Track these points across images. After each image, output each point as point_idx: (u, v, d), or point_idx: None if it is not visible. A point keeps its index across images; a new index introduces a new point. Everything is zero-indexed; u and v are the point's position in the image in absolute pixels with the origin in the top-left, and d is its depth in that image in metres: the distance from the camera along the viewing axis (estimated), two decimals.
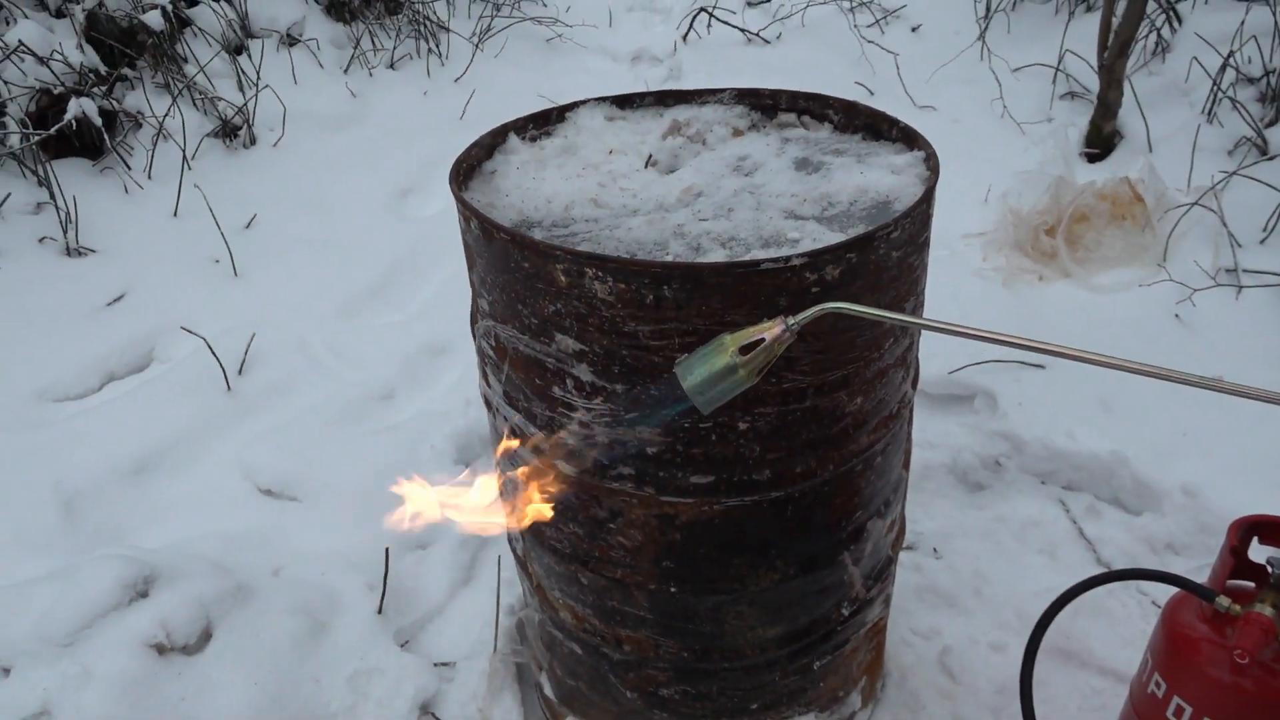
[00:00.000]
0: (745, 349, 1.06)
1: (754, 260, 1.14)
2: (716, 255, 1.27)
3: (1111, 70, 3.39)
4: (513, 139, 1.61)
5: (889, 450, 1.49)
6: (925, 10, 4.81)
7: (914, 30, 4.75)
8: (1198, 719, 1.47)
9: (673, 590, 1.44)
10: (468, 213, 1.31)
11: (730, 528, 1.38)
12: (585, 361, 1.26)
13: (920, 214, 1.29)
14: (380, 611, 2.03)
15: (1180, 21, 3.75)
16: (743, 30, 4.95)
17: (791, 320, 1.06)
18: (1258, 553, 1.46)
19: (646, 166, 1.58)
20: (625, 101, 1.72)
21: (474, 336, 1.51)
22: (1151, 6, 3.67)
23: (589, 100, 1.71)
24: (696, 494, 1.34)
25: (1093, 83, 3.67)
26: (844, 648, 1.63)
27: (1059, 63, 3.93)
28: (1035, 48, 4.14)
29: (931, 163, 1.41)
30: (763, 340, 1.05)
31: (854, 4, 4.88)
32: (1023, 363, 2.57)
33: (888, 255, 1.24)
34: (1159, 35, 3.75)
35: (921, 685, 1.89)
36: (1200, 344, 2.64)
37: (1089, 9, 4.22)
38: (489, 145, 1.58)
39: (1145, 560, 2.16)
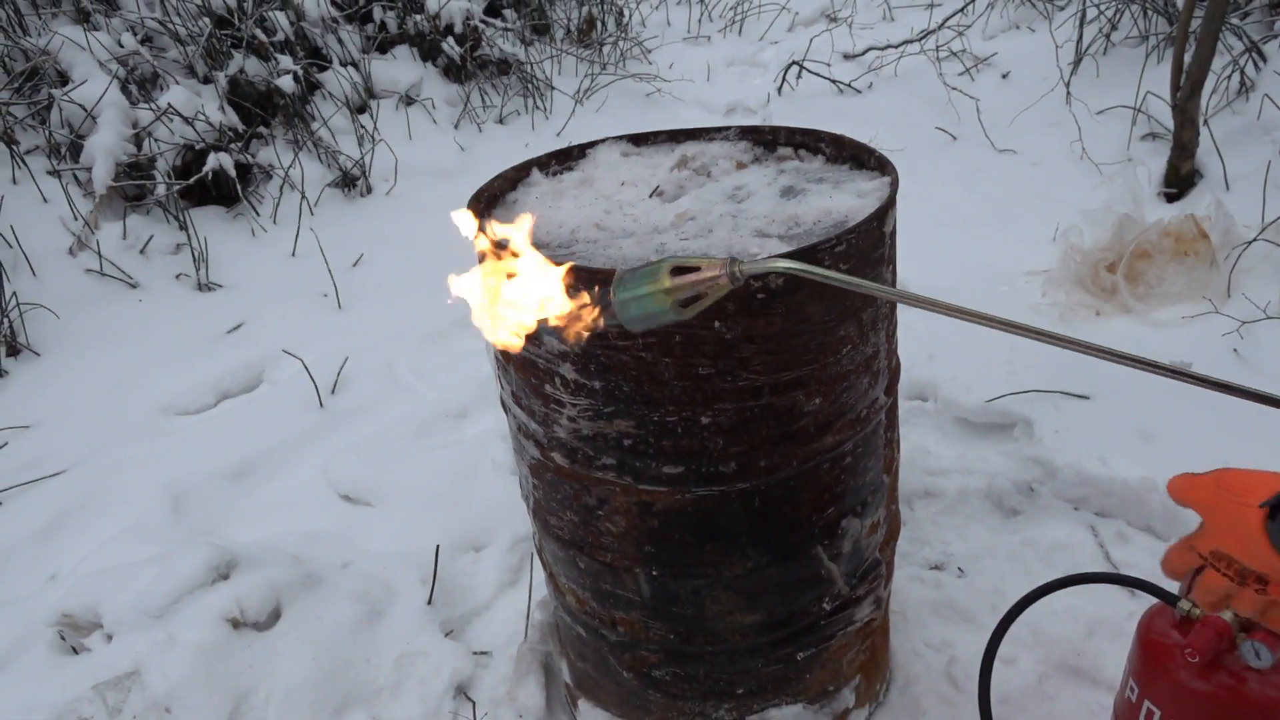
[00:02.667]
0: (678, 273, 1.05)
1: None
2: None
3: (1185, 110, 3.39)
4: (535, 173, 1.82)
5: (860, 453, 1.60)
6: (1015, 58, 4.86)
7: (1004, 77, 4.80)
8: None
9: (655, 573, 1.59)
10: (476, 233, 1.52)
11: (701, 516, 1.52)
12: (568, 361, 1.44)
13: (868, 231, 1.42)
14: (430, 603, 2.24)
15: (1265, 60, 3.71)
16: (834, 81, 5.10)
17: (737, 266, 1.04)
18: None
19: (651, 196, 1.77)
20: (641, 139, 1.92)
21: (485, 344, 1.71)
22: (1236, 46, 3.65)
23: (608, 139, 1.91)
24: (669, 483, 1.49)
25: (1171, 123, 3.66)
26: (830, 643, 1.73)
27: (1139, 104, 3.93)
28: (1120, 90, 4.14)
29: (893, 186, 1.54)
30: (699, 270, 1.04)
31: (944, 54, 4.97)
32: (1064, 393, 2.60)
33: (834, 268, 1.38)
34: (1243, 74, 3.72)
35: (924, 692, 1.96)
36: (1256, 377, 2.61)
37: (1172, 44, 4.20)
38: (513, 178, 1.80)
39: (1172, 586, 2.16)
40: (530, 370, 1.52)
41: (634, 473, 1.50)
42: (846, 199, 1.56)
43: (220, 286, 3.64)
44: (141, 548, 2.42)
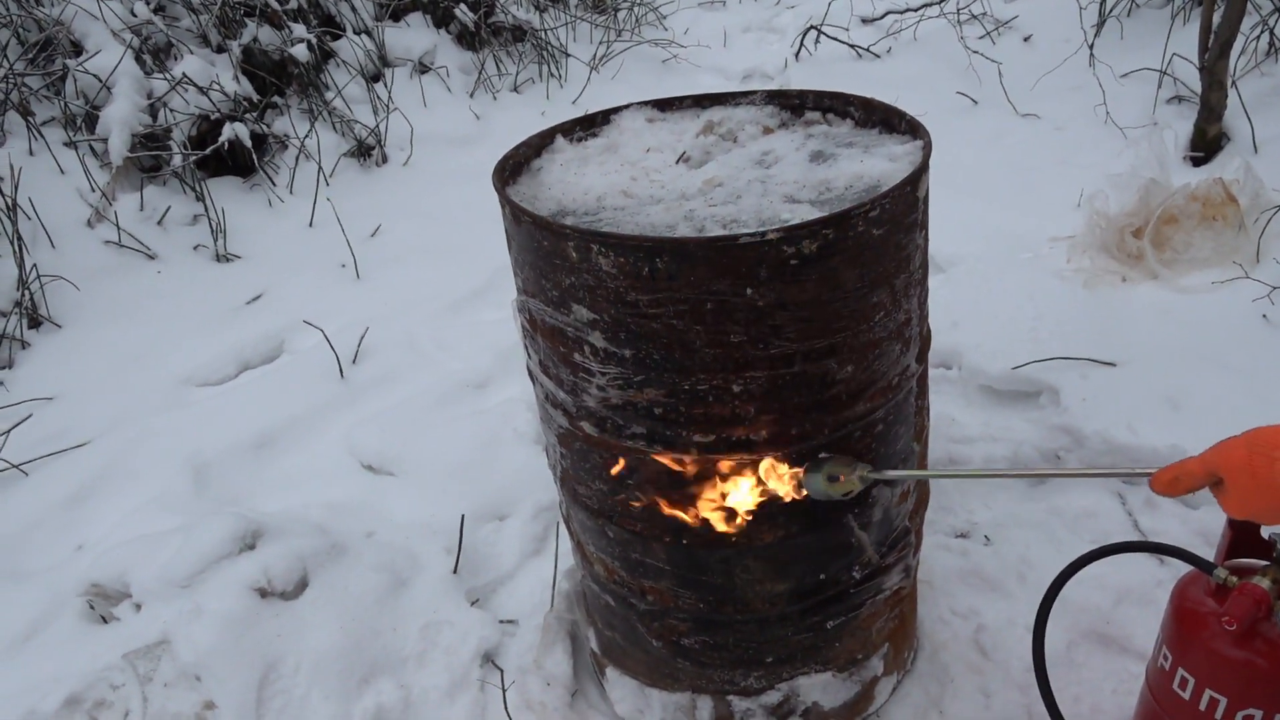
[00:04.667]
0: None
1: (733, 235, 1.28)
2: (716, 234, 1.42)
3: (1213, 72, 3.33)
4: (559, 140, 1.80)
5: (891, 420, 1.59)
6: (1037, 21, 4.79)
7: (1025, 40, 4.73)
8: (1200, 690, 1.51)
9: (684, 543, 1.59)
10: (503, 201, 1.51)
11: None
12: (598, 329, 1.42)
13: (903, 195, 1.40)
14: (455, 572, 2.24)
15: None
16: (852, 46, 5.04)
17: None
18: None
19: (678, 162, 1.74)
20: (666, 105, 1.89)
21: (514, 312, 1.70)
22: (1265, 5, 3.58)
23: (633, 104, 1.89)
24: (700, 451, 1.48)
25: (1199, 86, 3.60)
26: (859, 611, 1.73)
27: (1165, 66, 3.86)
28: (1145, 53, 4.07)
29: (926, 150, 1.51)
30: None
31: (964, 17, 4.90)
32: (1091, 360, 2.58)
33: (868, 233, 1.36)
34: (1272, 35, 3.64)
35: (952, 659, 1.96)
36: None
37: (1199, 2, 4.12)
38: (537, 145, 1.78)
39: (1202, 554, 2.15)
40: (559, 339, 1.50)
41: (664, 441, 1.48)
42: (878, 163, 1.54)
43: (238, 257, 3.64)
44: (166, 518, 2.42)
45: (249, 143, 3.96)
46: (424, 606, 2.17)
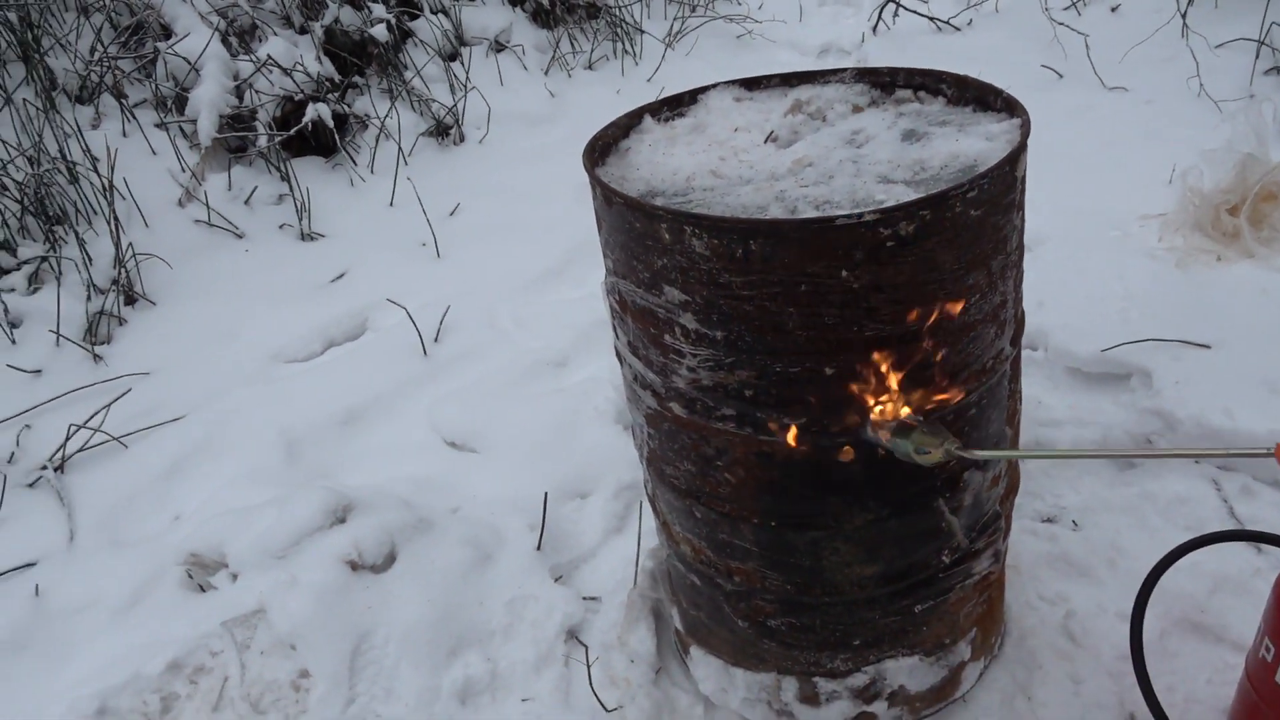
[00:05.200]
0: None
1: (829, 216, 1.28)
2: (808, 215, 1.41)
3: None
4: (647, 120, 1.80)
5: (985, 404, 1.57)
6: None
7: (1113, 10, 4.58)
8: None
9: (773, 524, 1.59)
10: (594, 182, 1.52)
11: (822, 468, 1.51)
12: (690, 311, 1.43)
13: (1001, 175, 1.37)
14: (539, 549, 2.28)
15: None
16: (931, 19, 4.93)
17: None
18: None
19: (766, 141, 1.73)
20: (753, 84, 1.88)
21: (603, 293, 1.71)
22: None
23: (720, 83, 1.87)
24: (790, 433, 1.48)
25: None
26: (948, 595, 1.71)
27: (1263, 36, 3.71)
28: (1241, 22, 3.91)
29: (1025, 128, 1.48)
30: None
31: None
32: (1184, 341, 2.51)
33: (965, 214, 1.33)
34: None
35: (1040, 646, 1.94)
36: None
37: None
38: (625, 125, 1.78)
39: None
40: (649, 320, 1.51)
41: (754, 423, 1.49)
42: (974, 142, 1.51)
43: (322, 236, 3.71)
44: (260, 490, 2.50)
45: (331, 123, 4.03)
46: (509, 582, 2.21)
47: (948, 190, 1.29)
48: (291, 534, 2.25)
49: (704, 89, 1.86)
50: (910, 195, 1.40)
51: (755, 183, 1.56)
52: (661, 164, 1.68)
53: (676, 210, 1.35)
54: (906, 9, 5.03)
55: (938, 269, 1.35)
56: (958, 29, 4.85)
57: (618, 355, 1.74)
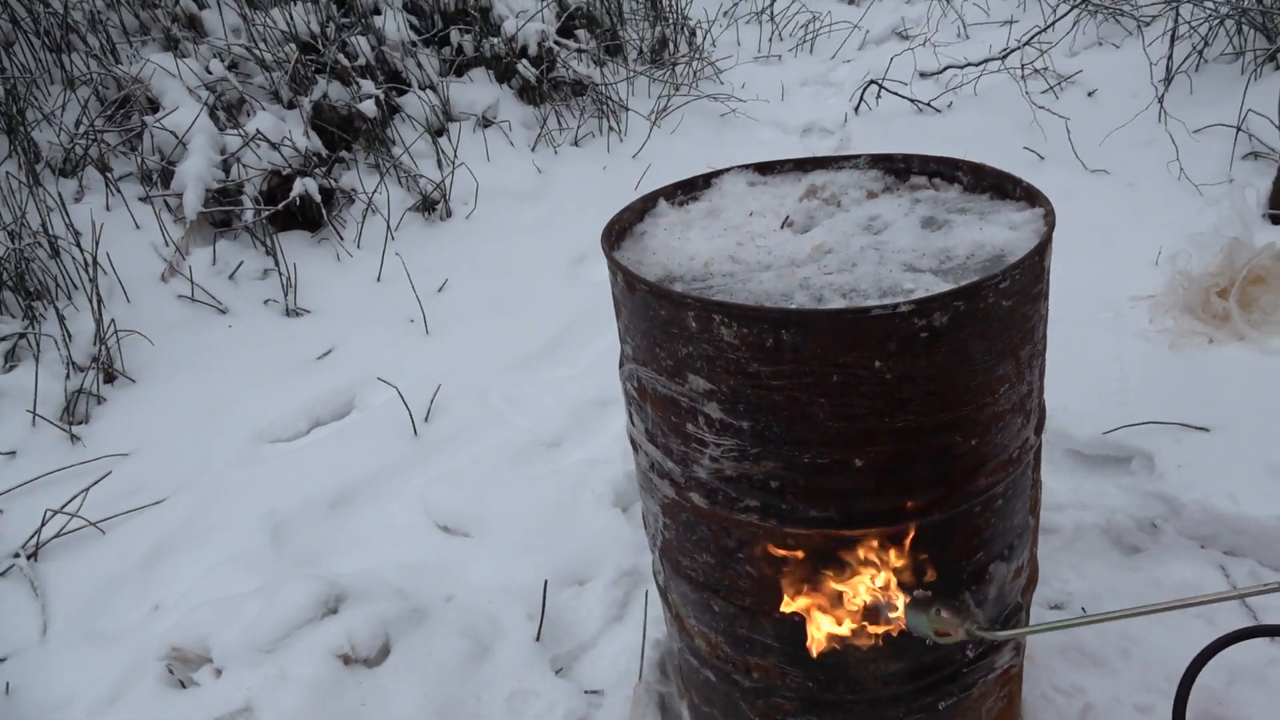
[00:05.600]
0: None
1: (864, 306, 1.25)
2: (836, 304, 1.39)
3: None
4: (662, 204, 1.79)
5: (1010, 495, 1.54)
6: (1102, 76, 4.75)
7: (1090, 95, 4.70)
8: None
9: (797, 619, 1.54)
10: (614, 268, 1.49)
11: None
12: (715, 400, 1.39)
13: (1032, 265, 1.36)
14: (538, 639, 2.20)
15: None
16: (913, 100, 5.03)
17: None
18: None
19: (782, 227, 1.72)
20: (767, 168, 1.87)
21: (621, 380, 1.67)
22: None
23: (733, 168, 1.87)
24: (817, 526, 1.44)
25: (1277, 142, 3.54)
26: (971, 691, 1.66)
27: (1240, 123, 3.81)
28: (1217, 108, 4.02)
29: (1049, 219, 1.48)
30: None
31: (1027, 72, 4.88)
32: (1184, 425, 2.51)
33: (997, 304, 1.32)
34: None
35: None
36: None
37: (1277, 67, 4.08)
38: (640, 209, 1.76)
39: None
40: (671, 408, 1.48)
41: (779, 515, 1.45)
42: (999, 231, 1.51)
43: (308, 312, 3.66)
44: (245, 578, 2.41)
45: (318, 197, 4.00)
46: (508, 675, 2.13)
47: (981, 281, 1.28)
48: (280, 625, 2.16)
49: (718, 172, 1.86)
50: (938, 284, 1.39)
51: (776, 269, 1.55)
52: (678, 249, 1.66)
53: (705, 299, 1.33)
54: (888, 90, 5.12)
55: (970, 360, 1.34)
56: (938, 111, 4.95)
57: (632, 442, 1.70)
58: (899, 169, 1.81)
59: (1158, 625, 2.14)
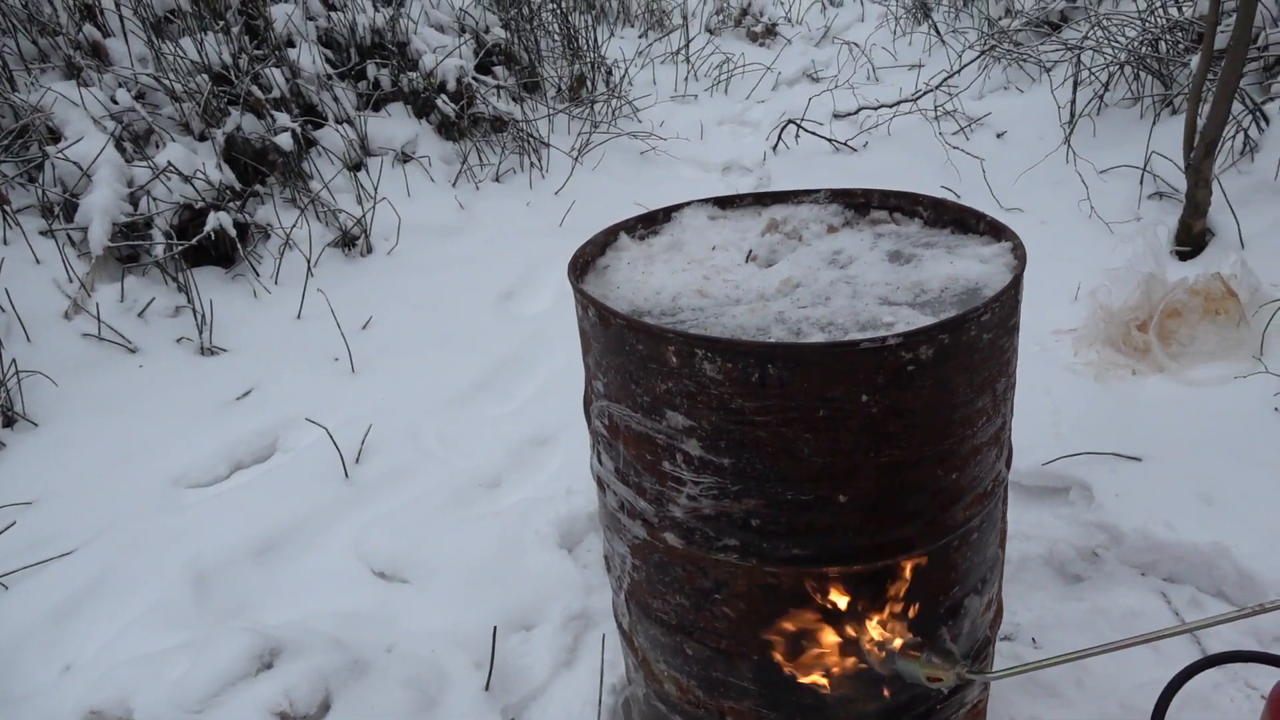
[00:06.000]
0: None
1: (854, 340, 1.24)
2: (816, 338, 1.37)
3: (1199, 170, 3.43)
4: (623, 237, 1.76)
5: (984, 527, 1.54)
6: (1010, 118, 4.94)
7: (999, 137, 4.87)
8: None
9: (776, 660, 1.50)
10: (585, 302, 1.44)
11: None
12: (695, 437, 1.36)
13: (1009, 299, 1.37)
14: (487, 689, 2.11)
15: (1268, 122, 3.79)
16: (830, 140, 5.13)
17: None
18: None
19: (747, 261, 1.71)
20: (726, 202, 1.86)
21: (588, 418, 1.62)
22: (1238, 108, 3.72)
23: (693, 201, 1.85)
24: (799, 564, 1.41)
25: (1180, 183, 3.72)
26: None
27: (1145, 164, 3.99)
28: (1121, 150, 4.21)
29: (1019, 252, 1.50)
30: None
31: (939, 114, 5.03)
32: (1118, 454, 2.57)
33: (979, 337, 1.32)
34: (1247, 135, 3.79)
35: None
36: None
37: (1174, 112, 4.29)
38: (602, 243, 1.73)
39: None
40: (646, 446, 1.43)
41: (759, 554, 1.41)
42: (970, 264, 1.52)
43: (224, 350, 3.50)
44: (167, 633, 2.26)
45: (233, 232, 3.85)
46: None
47: (966, 313, 1.28)
48: (211, 684, 2.02)
49: (678, 206, 1.84)
50: (917, 317, 1.39)
51: (746, 303, 1.53)
52: (643, 283, 1.63)
53: (688, 333, 1.29)
54: (806, 130, 5.22)
55: (952, 392, 1.33)
56: (854, 150, 5.06)
57: (599, 481, 1.65)
58: (859, 203, 1.81)
59: (1109, 657, 2.16)
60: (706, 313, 1.51)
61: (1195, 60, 4.01)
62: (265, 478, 2.87)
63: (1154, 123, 4.27)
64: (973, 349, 1.32)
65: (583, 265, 1.65)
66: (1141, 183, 3.99)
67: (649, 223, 1.81)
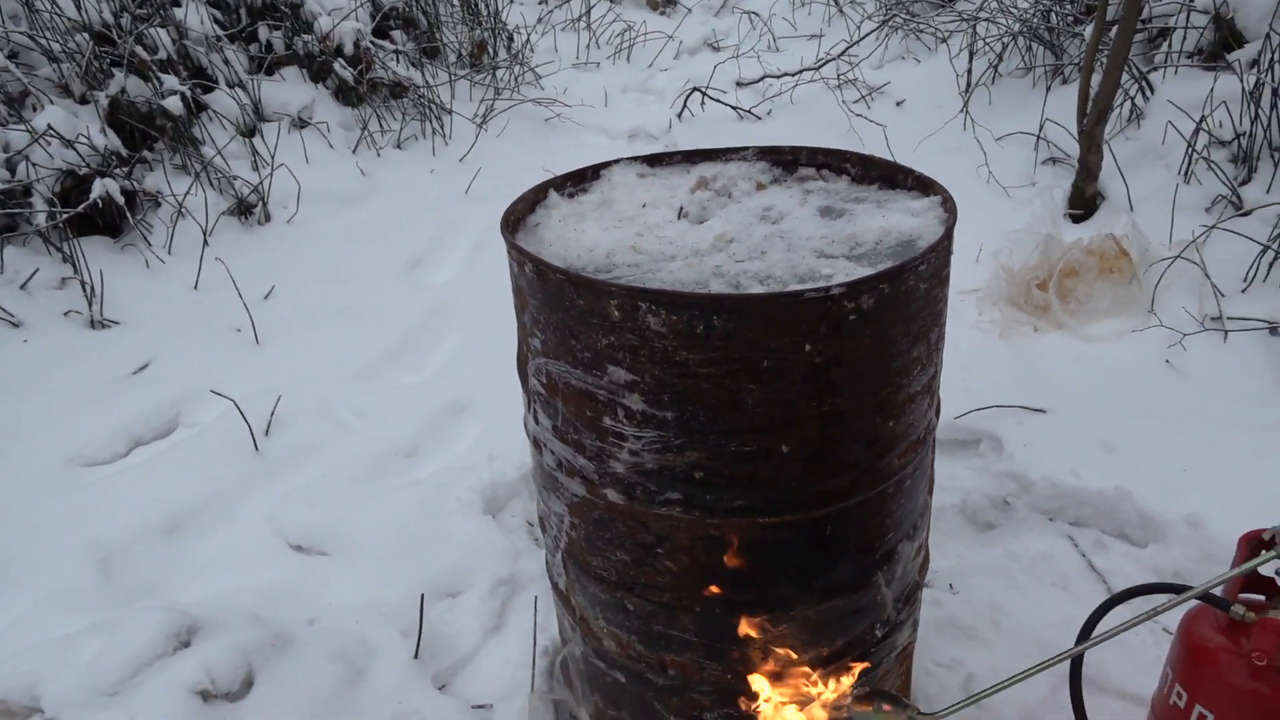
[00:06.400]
0: None
1: (798, 290, 1.25)
2: (756, 291, 1.38)
3: (1091, 136, 3.57)
4: (553, 195, 1.73)
5: (916, 474, 1.58)
6: (909, 87, 5.04)
7: (898, 105, 4.97)
8: None
9: (718, 611, 1.52)
10: (522, 257, 1.42)
11: (773, 549, 1.46)
12: (637, 391, 1.35)
13: (943, 249, 1.40)
14: (416, 657, 2.08)
15: (1153, 90, 3.96)
16: (735, 107, 5.16)
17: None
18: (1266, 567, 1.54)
19: (679, 218, 1.70)
20: (655, 160, 1.85)
21: (523, 378, 1.60)
22: (1125, 77, 3.88)
23: (621, 159, 1.84)
24: (741, 515, 1.42)
25: (1072, 148, 3.85)
26: (878, 670, 1.69)
27: (1040, 131, 4.13)
28: (1016, 118, 4.35)
29: (949, 205, 1.53)
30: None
31: (841, 82, 5.10)
32: (1024, 407, 2.67)
33: (916, 287, 1.35)
34: (1133, 103, 3.95)
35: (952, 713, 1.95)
36: (1192, 387, 2.76)
37: (1065, 81, 4.45)
38: (532, 200, 1.70)
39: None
40: (586, 402, 1.42)
41: (703, 506, 1.42)
42: (902, 218, 1.54)
43: (116, 324, 3.34)
44: (73, 616, 2.16)
45: (121, 199, 3.67)
46: (388, 696, 2.00)
47: (905, 264, 1.30)
48: (125, 665, 1.94)
49: (606, 164, 1.82)
50: (855, 269, 1.41)
51: (682, 259, 1.52)
52: (575, 240, 1.61)
53: (632, 286, 1.28)
54: (711, 98, 5.23)
55: (892, 342, 1.36)
56: (759, 118, 5.10)
57: (534, 442, 1.63)
58: (787, 161, 1.83)
59: (1019, 595, 2.26)
60: (642, 269, 1.50)
61: (1088, 30, 4.16)
62: (169, 454, 2.75)
63: (1047, 91, 4.41)
64: (910, 299, 1.35)
65: (514, 223, 1.62)
66: (1036, 149, 4.12)
67: (578, 180, 1.79)
